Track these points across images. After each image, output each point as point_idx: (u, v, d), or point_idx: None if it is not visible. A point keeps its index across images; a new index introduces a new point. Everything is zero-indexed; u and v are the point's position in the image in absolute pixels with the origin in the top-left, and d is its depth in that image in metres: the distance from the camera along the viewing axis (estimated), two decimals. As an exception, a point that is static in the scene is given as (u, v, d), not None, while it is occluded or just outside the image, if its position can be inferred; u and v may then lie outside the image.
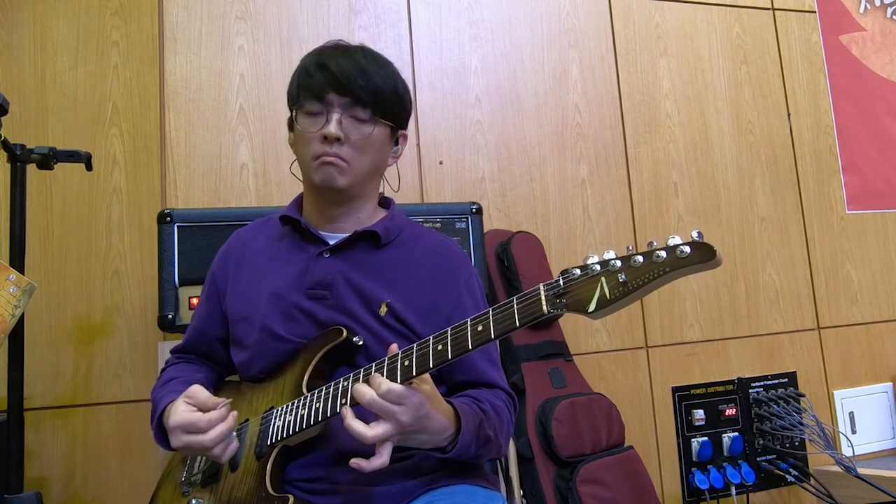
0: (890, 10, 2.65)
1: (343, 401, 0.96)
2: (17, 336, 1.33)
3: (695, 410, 2.11)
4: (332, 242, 1.17)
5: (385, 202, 1.28)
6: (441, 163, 2.04)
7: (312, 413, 1.00)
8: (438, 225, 1.68)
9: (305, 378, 1.07)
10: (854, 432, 2.29)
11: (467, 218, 1.71)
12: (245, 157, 1.88)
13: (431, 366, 0.91)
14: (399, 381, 0.92)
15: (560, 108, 2.19)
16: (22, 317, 1.31)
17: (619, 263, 0.79)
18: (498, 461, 1.44)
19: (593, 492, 1.65)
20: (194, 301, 1.53)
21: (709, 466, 2.08)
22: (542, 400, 1.78)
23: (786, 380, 2.23)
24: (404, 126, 1.22)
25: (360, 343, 1.09)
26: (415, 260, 1.17)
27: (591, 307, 0.80)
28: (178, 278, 1.53)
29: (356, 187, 1.16)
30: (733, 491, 2.06)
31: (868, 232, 2.47)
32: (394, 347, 0.98)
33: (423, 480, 1.06)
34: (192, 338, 1.28)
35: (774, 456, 2.13)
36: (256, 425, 1.10)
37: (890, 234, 2.50)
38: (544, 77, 2.19)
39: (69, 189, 1.75)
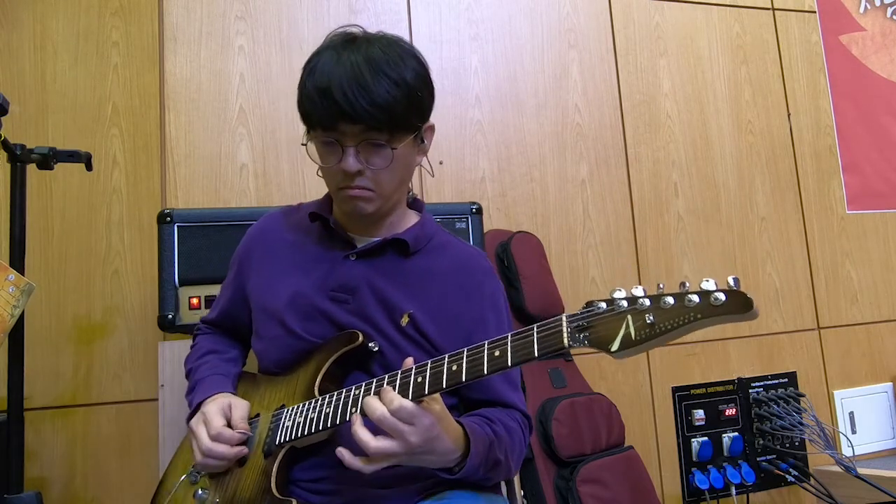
0: (890, 10, 2.65)
1: (353, 409, 0.96)
2: (17, 336, 1.32)
3: (695, 410, 2.11)
4: (359, 245, 1.15)
5: (416, 204, 1.25)
6: (441, 163, 2.04)
7: (322, 418, 1.00)
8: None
9: (318, 380, 1.07)
10: (854, 432, 2.29)
11: (467, 218, 1.71)
12: (245, 157, 1.88)
13: (444, 386, 0.89)
14: (410, 397, 0.91)
15: (560, 108, 2.19)
16: (22, 317, 1.31)
17: (647, 303, 0.75)
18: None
19: (593, 492, 1.65)
20: (194, 301, 1.53)
21: (709, 466, 2.08)
22: (542, 400, 1.78)
23: (786, 380, 2.24)
24: (427, 118, 1.13)
25: (376, 349, 1.08)
26: (441, 271, 1.15)
27: (615, 346, 0.76)
28: (178, 278, 1.53)
29: (386, 205, 1.13)
30: (733, 491, 2.06)
31: (868, 232, 2.47)
32: (409, 361, 0.96)
33: (427, 484, 1.06)
34: (219, 317, 1.30)
35: (774, 456, 2.14)
36: (267, 422, 1.10)
37: (890, 234, 2.50)
38: (544, 77, 2.19)
39: (69, 189, 1.75)
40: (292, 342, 1.12)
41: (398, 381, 0.94)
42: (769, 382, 2.21)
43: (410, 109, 1.06)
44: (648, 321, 0.74)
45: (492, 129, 2.11)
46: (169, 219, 1.55)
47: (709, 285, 0.73)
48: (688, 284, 0.74)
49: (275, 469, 1.02)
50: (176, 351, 1.48)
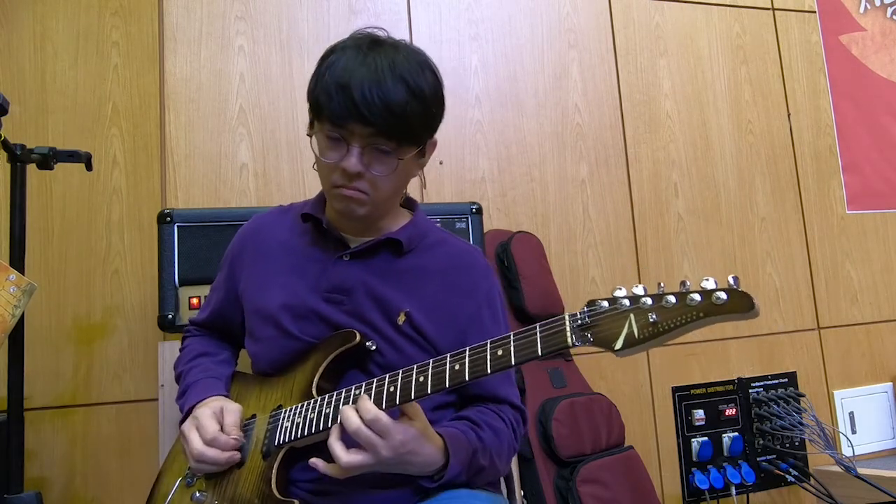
0: (890, 10, 2.65)
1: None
2: (17, 336, 1.33)
3: (695, 410, 2.11)
4: (353, 246, 1.15)
5: (409, 203, 1.25)
6: (441, 163, 2.04)
7: (322, 419, 1.00)
8: (438, 225, 1.68)
9: (315, 380, 1.07)
10: (854, 432, 2.29)
11: (467, 218, 1.71)
12: (245, 157, 1.88)
13: (448, 385, 0.90)
14: (413, 396, 0.92)
15: (560, 108, 2.19)
16: (22, 317, 1.31)
17: (649, 301, 0.76)
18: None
19: (593, 492, 1.65)
20: (194, 301, 1.53)
21: (709, 466, 2.08)
22: (542, 400, 1.78)
23: (786, 380, 2.24)
24: (434, 135, 1.14)
25: (374, 348, 1.08)
26: (436, 269, 1.15)
27: (618, 345, 0.77)
28: (178, 278, 1.53)
29: (378, 211, 1.13)
30: (733, 491, 2.06)
31: (868, 232, 2.47)
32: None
33: (428, 483, 1.06)
34: (211, 317, 1.29)
35: (774, 456, 2.13)
36: (264, 423, 1.10)
37: (890, 234, 2.50)
38: (544, 77, 2.19)
39: (69, 189, 1.75)
40: (288, 343, 1.12)
41: (399, 381, 0.94)
42: (769, 382, 2.21)
43: (422, 123, 1.07)
44: (651, 320, 0.75)
45: (492, 129, 2.11)
46: (169, 219, 1.55)
47: (709, 284, 0.73)
48: (688, 283, 0.75)
49: (274, 470, 1.02)
50: (176, 351, 1.47)
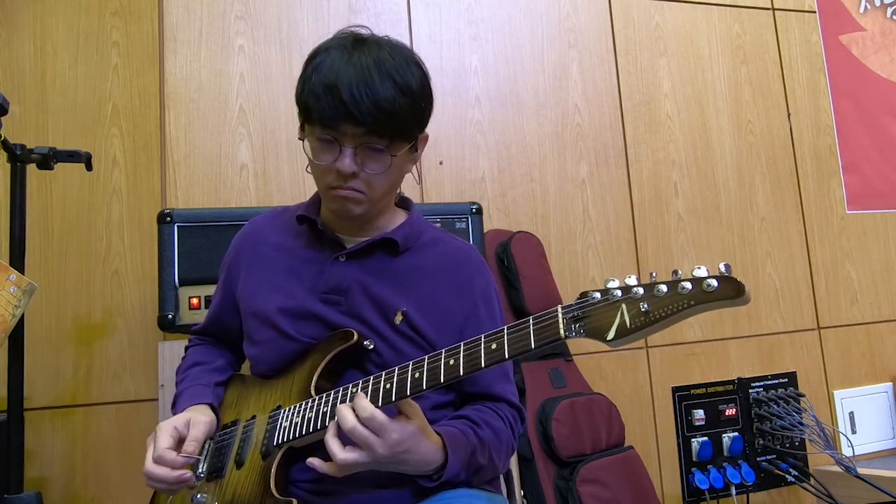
0: (890, 10, 2.65)
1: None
2: (17, 336, 1.33)
3: (695, 410, 2.11)
4: (348, 246, 1.15)
5: (404, 202, 1.25)
6: (441, 163, 2.04)
7: (319, 417, 1.00)
8: (438, 225, 1.68)
9: (314, 380, 1.07)
10: (854, 432, 2.29)
11: (467, 218, 1.71)
12: (245, 157, 1.88)
13: (442, 381, 0.90)
14: (409, 392, 0.92)
15: (560, 108, 2.19)
16: (22, 317, 1.31)
17: (641, 291, 0.76)
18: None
19: (593, 492, 1.65)
20: (194, 301, 1.53)
21: (709, 466, 2.08)
22: (542, 400, 1.78)
23: (786, 380, 2.24)
24: (425, 129, 1.14)
25: (371, 347, 1.08)
26: (432, 267, 1.15)
27: (610, 335, 0.77)
28: (178, 278, 1.53)
29: (374, 209, 1.13)
30: (733, 491, 2.06)
31: (868, 232, 2.47)
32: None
33: (428, 484, 1.06)
34: (209, 324, 1.30)
35: (774, 456, 2.13)
36: (263, 423, 1.10)
37: (890, 234, 2.50)
38: (544, 77, 2.19)
39: (69, 189, 1.75)
40: (286, 345, 1.12)
41: (395, 378, 0.94)
42: (769, 382, 2.21)
43: (413, 118, 1.07)
44: (643, 309, 0.76)
45: (492, 129, 2.11)
46: (169, 219, 1.55)
47: (701, 272, 0.74)
48: (680, 272, 0.76)
49: (273, 470, 1.02)
50: (176, 351, 1.48)
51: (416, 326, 1.10)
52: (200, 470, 1.11)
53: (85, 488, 1.66)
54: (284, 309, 1.13)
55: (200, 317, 1.42)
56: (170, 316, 1.52)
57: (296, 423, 1.03)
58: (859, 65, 2.58)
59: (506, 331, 0.87)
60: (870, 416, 2.33)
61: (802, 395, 2.20)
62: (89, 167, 1.46)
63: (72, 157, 1.42)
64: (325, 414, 1.00)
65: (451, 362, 0.90)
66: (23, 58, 1.77)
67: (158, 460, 1.01)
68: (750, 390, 2.18)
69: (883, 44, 2.62)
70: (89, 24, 1.83)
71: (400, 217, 1.21)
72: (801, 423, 2.11)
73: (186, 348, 1.33)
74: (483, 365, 0.87)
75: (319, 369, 1.07)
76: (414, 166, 1.18)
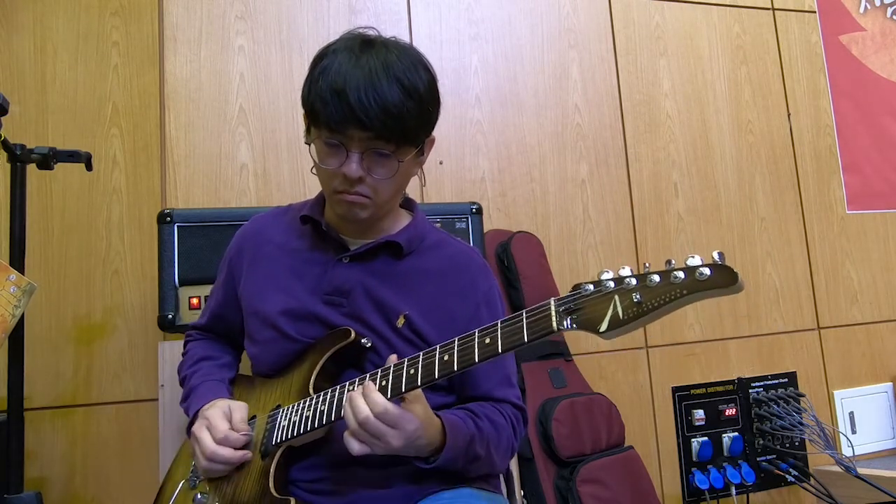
0: (890, 10, 2.65)
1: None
2: (17, 336, 1.32)
3: (695, 410, 2.11)
4: (352, 248, 1.14)
5: (408, 203, 1.24)
6: (441, 163, 2.04)
7: (317, 416, 1.01)
8: (438, 225, 1.67)
9: (312, 378, 1.07)
10: (854, 432, 2.29)
11: (467, 218, 1.71)
12: (245, 157, 1.88)
13: (437, 376, 0.90)
14: (404, 389, 0.92)
15: (560, 108, 2.19)
16: (22, 317, 1.31)
17: (634, 282, 0.76)
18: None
19: (593, 492, 1.65)
20: (194, 301, 1.53)
21: (709, 466, 2.08)
22: (542, 400, 1.78)
23: (786, 380, 2.23)
24: (431, 132, 1.12)
25: (369, 345, 1.08)
26: (435, 270, 1.15)
27: (603, 327, 0.77)
28: (178, 278, 1.53)
29: (379, 213, 1.13)
30: (733, 491, 2.06)
31: (868, 232, 2.47)
32: (392, 358, 0.98)
33: (426, 484, 1.06)
34: (210, 321, 1.29)
35: (774, 456, 2.13)
36: (263, 423, 1.10)
37: (890, 234, 2.50)
38: (544, 77, 2.19)
39: (69, 189, 1.75)
40: (287, 345, 1.12)
41: (391, 374, 0.95)
42: (769, 382, 2.21)
43: (420, 123, 1.06)
44: (636, 300, 0.75)
45: (492, 129, 2.11)
46: (169, 219, 1.55)
47: (694, 261, 0.73)
48: (673, 262, 0.75)
49: (272, 469, 1.02)
50: (176, 351, 1.47)
51: (418, 330, 1.10)
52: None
53: (85, 488, 1.66)
54: (286, 310, 1.12)
55: (190, 323, 1.41)
56: (170, 316, 1.52)
57: (294, 422, 1.03)
58: (859, 65, 2.58)
59: (499, 325, 0.87)
60: (870, 416, 2.33)
61: (802, 395, 2.20)
62: (89, 167, 1.45)
63: (72, 157, 1.42)
64: (322, 412, 1.00)
65: (446, 357, 0.90)
66: (23, 58, 1.77)
67: (223, 441, 1.04)
68: (750, 390, 2.18)
69: (883, 44, 2.62)
70: (89, 24, 1.82)
71: (404, 219, 1.21)
72: (801, 423, 2.11)
73: (186, 342, 1.32)
74: (476, 360, 0.87)
75: (318, 368, 1.07)
76: (420, 169, 1.18)
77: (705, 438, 2.09)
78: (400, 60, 1.03)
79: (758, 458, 2.12)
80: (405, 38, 2.06)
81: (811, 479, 2.07)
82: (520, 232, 2.00)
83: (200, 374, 1.20)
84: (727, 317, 2.24)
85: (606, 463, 1.72)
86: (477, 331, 0.89)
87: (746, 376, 2.20)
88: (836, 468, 2.00)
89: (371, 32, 1.09)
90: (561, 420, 1.72)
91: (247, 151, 1.89)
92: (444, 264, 1.16)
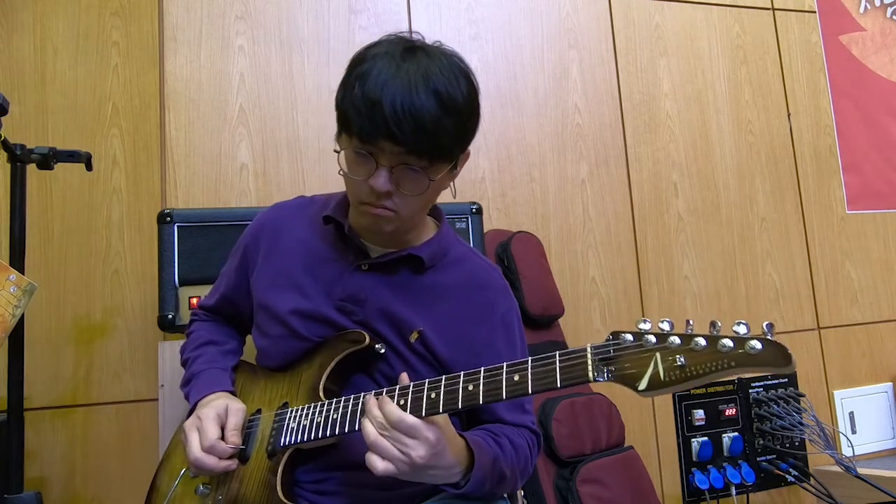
0: (890, 10, 2.65)
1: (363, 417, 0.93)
2: (17, 336, 1.32)
3: (695, 410, 2.11)
4: (373, 255, 1.11)
5: (435, 212, 1.20)
6: (441, 163, 2.03)
7: (329, 424, 0.99)
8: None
9: (322, 381, 1.05)
10: (854, 432, 2.29)
11: (467, 218, 1.71)
12: (245, 157, 1.88)
13: (460, 406, 0.87)
14: (423, 413, 0.89)
15: (560, 108, 2.19)
16: (22, 317, 1.31)
17: (677, 341, 0.72)
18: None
19: (593, 492, 1.65)
20: (194, 301, 1.53)
21: (709, 466, 2.08)
22: (542, 400, 1.78)
23: (786, 380, 2.23)
24: (467, 147, 1.08)
25: (382, 351, 1.06)
26: (454, 288, 1.11)
27: (642, 385, 0.73)
28: (178, 278, 1.53)
29: (405, 226, 1.09)
30: (733, 491, 2.06)
31: (868, 232, 2.47)
32: (404, 377, 0.95)
33: (427, 487, 1.06)
34: (219, 303, 1.27)
35: (774, 456, 2.13)
36: (270, 420, 1.09)
37: (890, 234, 2.50)
38: (544, 77, 2.19)
39: (69, 189, 1.75)
40: (296, 343, 1.11)
41: (410, 396, 0.91)
42: (769, 382, 2.21)
43: (455, 139, 1.02)
44: (679, 363, 0.71)
45: (492, 129, 2.11)
46: (169, 219, 1.55)
47: (742, 329, 0.70)
48: (719, 325, 0.71)
49: (279, 471, 1.02)
50: (176, 351, 1.47)
51: (431, 347, 1.07)
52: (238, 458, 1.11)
53: (85, 488, 1.66)
54: (297, 310, 1.11)
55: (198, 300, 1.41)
56: (170, 316, 1.52)
57: (304, 427, 1.02)
58: (859, 65, 2.58)
59: (530, 364, 0.84)
60: (870, 416, 2.33)
61: (802, 395, 2.20)
62: (89, 167, 1.45)
63: (72, 157, 1.42)
64: (335, 421, 0.98)
65: (471, 388, 0.87)
66: (23, 58, 1.77)
67: (210, 450, 1.02)
68: (750, 390, 2.17)
69: (883, 44, 2.62)
70: (89, 24, 1.82)
71: (430, 230, 1.17)
72: (801, 423, 2.11)
73: (192, 321, 1.30)
74: (504, 396, 0.84)
75: (328, 370, 1.06)
76: (452, 182, 1.12)
77: (705, 438, 2.09)
78: (441, 71, 0.98)
79: (758, 458, 2.12)
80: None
81: (811, 479, 2.07)
82: (520, 232, 2.00)
83: (204, 360, 1.19)
84: (727, 317, 2.24)
85: (606, 463, 1.72)
86: (505, 365, 0.85)
87: (746, 376, 2.19)
88: (836, 468, 2.00)
89: (415, 37, 1.04)
90: (561, 420, 1.72)
91: (247, 151, 1.89)
92: (465, 282, 1.12)
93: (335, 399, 1.02)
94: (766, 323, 0.70)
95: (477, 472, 0.95)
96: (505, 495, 1.12)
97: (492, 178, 2.08)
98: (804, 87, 2.49)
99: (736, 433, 2.11)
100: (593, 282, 2.12)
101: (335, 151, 1.05)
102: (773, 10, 2.50)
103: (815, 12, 2.55)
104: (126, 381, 1.71)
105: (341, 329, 1.09)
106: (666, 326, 0.74)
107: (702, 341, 0.71)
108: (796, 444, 2.15)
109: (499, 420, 1.10)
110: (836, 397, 2.30)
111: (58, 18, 1.81)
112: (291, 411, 1.06)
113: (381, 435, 0.88)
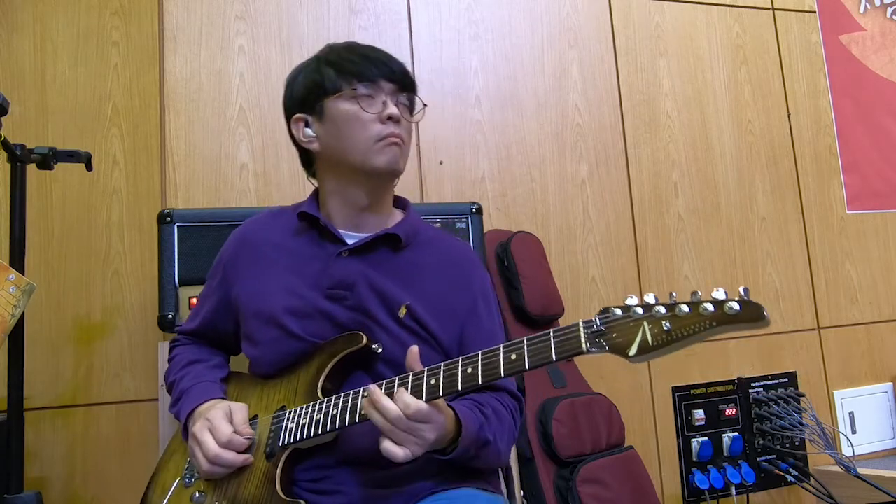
0: (890, 10, 2.65)
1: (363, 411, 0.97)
2: (17, 336, 1.32)
3: (695, 410, 2.11)
4: (350, 242, 1.15)
5: (400, 202, 1.27)
6: (441, 163, 2.04)
7: (329, 420, 1.00)
8: (438, 225, 1.68)
9: (321, 381, 1.06)
10: (854, 432, 2.29)
11: (467, 218, 1.71)
12: (245, 157, 1.88)
13: (460, 388, 0.92)
14: (424, 399, 0.93)
15: (560, 108, 2.19)
16: (22, 317, 1.31)
17: (662, 310, 0.78)
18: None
19: (593, 492, 1.65)
20: (194, 301, 1.53)
21: (709, 466, 2.08)
22: (542, 400, 1.78)
23: (786, 380, 2.23)
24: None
25: (380, 350, 1.08)
26: (433, 263, 1.18)
27: (632, 351, 0.80)
28: (178, 278, 1.53)
29: (405, 160, 1.19)
30: (733, 491, 2.06)
31: (868, 232, 2.47)
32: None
33: (428, 484, 1.06)
34: (201, 326, 1.27)
35: (774, 456, 2.13)
36: (267, 423, 1.09)
37: (890, 234, 2.50)
38: (544, 77, 2.19)
39: (69, 189, 1.75)
40: (291, 344, 1.12)
41: (410, 384, 0.95)
42: (769, 382, 2.21)
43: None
44: (665, 328, 0.78)
45: (492, 129, 2.11)
46: (169, 219, 1.55)
47: (720, 294, 0.76)
48: (699, 294, 0.77)
49: (279, 471, 1.02)
50: (176, 351, 1.48)
51: (420, 320, 1.11)
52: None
53: (85, 488, 1.66)
54: (291, 308, 1.12)
55: (177, 328, 1.40)
56: (170, 316, 1.52)
57: (303, 425, 1.03)
58: (859, 65, 2.58)
59: (525, 342, 0.89)
60: (870, 416, 2.33)
61: (802, 395, 2.20)
62: (89, 167, 1.45)
63: (72, 157, 1.42)
64: (334, 417, 1.00)
65: (469, 370, 0.92)
66: (23, 58, 1.77)
67: (227, 445, 1.03)
68: (750, 390, 2.18)
69: (883, 44, 2.62)
70: (89, 24, 1.82)
71: (398, 215, 1.24)
72: (801, 423, 2.11)
73: (173, 348, 1.30)
74: (503, 374, 0.89)
75: (326, 371, 1.07)
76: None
77: (705, 438, 2.09)
78: None
79: (758, 458, 2.12)
80: (405, 38, 2.06)
81: (811, 479, 2.07)
82: (520, 232, 2.00)
83: (191, 377, 1.18)
84: (727, 317, 2.24)
85: (606, 463, 1.72)
86: (502, 346, 0.91)
87: (746, 376, 2.20)
88: (836, 468, 2.00)
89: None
90: (561, 420, 1.72)
91: (247, 151, 1.89)
92: (441, 257, 1.19)
93: (333, 396, 1.03)
94: (743, 287, 0.76)
95: (464, 440, 1.00)
96: (505, 495, 1.13)
97: (492, 178, 2.08)
98: (804, 87, 2.49)
99: (736, 433, 2.12)
100: (593, 282, 2.12)
101: (299, 123, 1.21)
102: (773, 10, 2.50)
103: (815, 12, 2.55)
104: (126, 381, 1.71)
105: (336, 319, 1.11)
106: (651, 299, 0.80)
107: (685, 308, 0.77)
108: (796, 444, 2.15)
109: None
110: (836, 397, 2.30)
111: (58, 18, 1.81)
112: (289, 412, 1.07)
113: (396, 425, 0.91)
